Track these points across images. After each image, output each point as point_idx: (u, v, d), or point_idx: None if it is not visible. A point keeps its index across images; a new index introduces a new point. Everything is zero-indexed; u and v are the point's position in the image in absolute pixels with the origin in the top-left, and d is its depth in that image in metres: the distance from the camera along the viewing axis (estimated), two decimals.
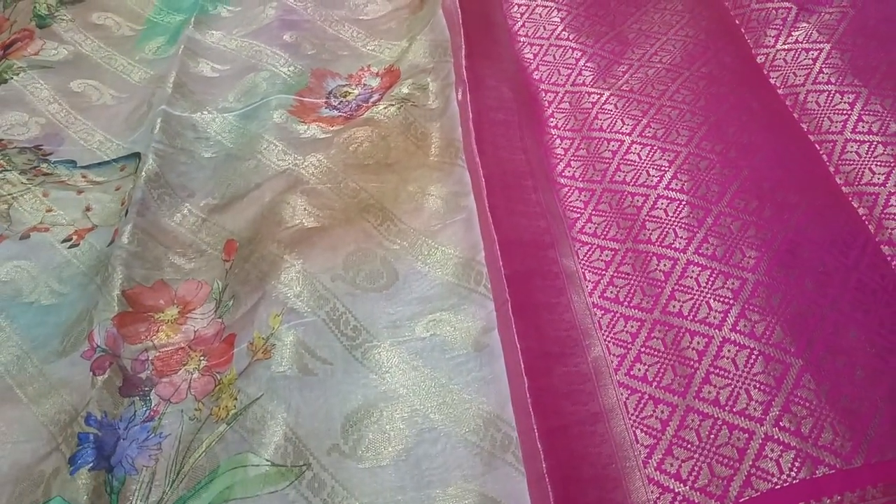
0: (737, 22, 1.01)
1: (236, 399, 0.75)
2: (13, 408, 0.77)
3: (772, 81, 0.92)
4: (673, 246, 0.76)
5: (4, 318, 0.85)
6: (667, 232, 0.78)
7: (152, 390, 0.79)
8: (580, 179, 0.89)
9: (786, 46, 0.95)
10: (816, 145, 0.84)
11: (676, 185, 0.82)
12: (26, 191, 1.00)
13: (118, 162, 1.05)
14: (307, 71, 1.15)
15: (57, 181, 1.02)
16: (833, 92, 0.87)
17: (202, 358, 0.81)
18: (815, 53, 0.92)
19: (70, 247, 0.93)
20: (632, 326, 0.74)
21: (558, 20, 1.09)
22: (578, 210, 0.86)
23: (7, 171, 1.02)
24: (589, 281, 0.79)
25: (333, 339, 0.78)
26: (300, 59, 1.17)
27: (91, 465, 0.70)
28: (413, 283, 0.83)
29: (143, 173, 0.97)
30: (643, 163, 0.85)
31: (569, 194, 0.89)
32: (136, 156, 1.03)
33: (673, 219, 0.79)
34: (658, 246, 0.77)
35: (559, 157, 0.93)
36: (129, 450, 0.73)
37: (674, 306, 0.72)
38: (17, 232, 0.94)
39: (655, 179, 0.83)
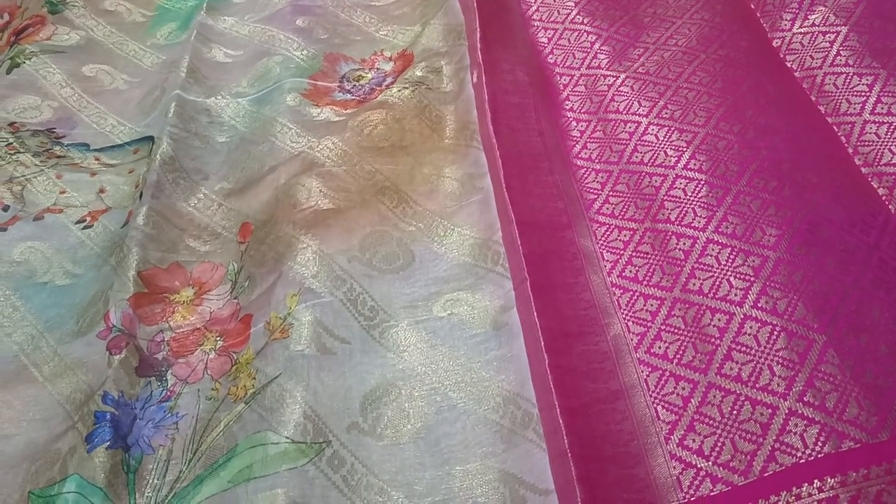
0: (752, 6, 1.01)
1: (255, 378, 0.75)
2: (29, 386, 0.77)
3: (788, 64, 0.92)
4: (692, 225, 0.76)
5: (19, 297, 0.85)
6: (686, 211, 0.78)
7: (169, 371, 0.78)
8: (597, 161, 0.89)
9: (802, 30, 0.94)
10: (835, 127, 0.84)
11: (695, 164, 0.81)
12: (39, 173, 0.99)
13: (131, 145, 1.05)
14: (320, 55, 1.14)
15: (70, 163, 1.01)
16: (851, 74, 0.87)
17: (218, 338, 0.81)
18: (832, 36, 0.91)
19: (84, 228, 0.93)
20: (651, 305, 0.73)
21: (572, 4, 1.09)
22: (595, 191, 0.86)
23: (20, 153, 1.01)
24: (607, 261, 0.79)
25: (351, 319, 0.78)
26: (313, 43, 1.17)
27: (108, 443, 0.70)
28: (429, 265, 0.83)
29: (158, 156, 0.97)
30: (661, 143, 0.85)
31: (585, 176, 0.88)
32: (149, 139, 1.03)
33: (692, 198, 0.78)
34: (677, 225, 0.77)
35: (575, 139, 0.93)
36: (145, 429, 0.73)
37: (694, 284, 0.72)
38: (31, 213, 0.94)
39: (673, 160, 0.83)
